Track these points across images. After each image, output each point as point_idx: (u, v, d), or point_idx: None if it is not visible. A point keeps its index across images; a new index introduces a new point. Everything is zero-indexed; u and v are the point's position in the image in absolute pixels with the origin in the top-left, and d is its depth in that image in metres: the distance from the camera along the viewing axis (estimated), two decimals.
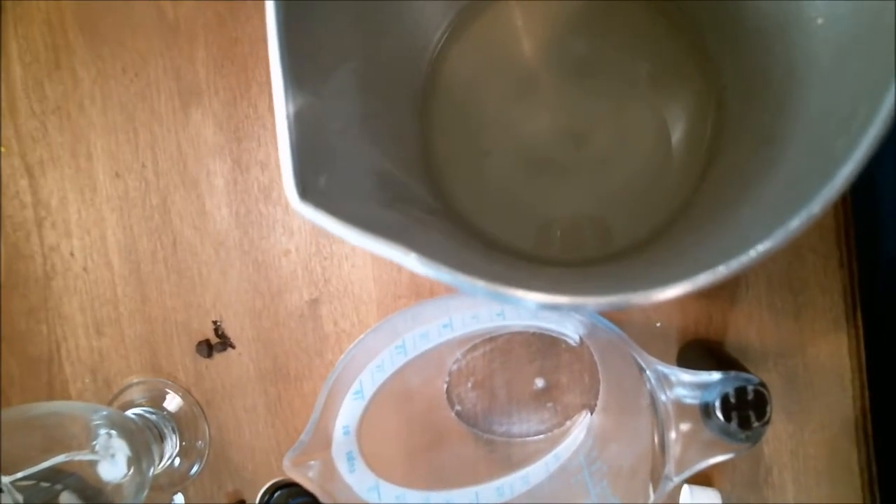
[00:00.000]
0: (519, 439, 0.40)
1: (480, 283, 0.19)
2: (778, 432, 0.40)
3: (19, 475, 0.36)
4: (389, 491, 0.34)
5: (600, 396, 0.40)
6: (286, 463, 0.30)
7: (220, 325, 0.44)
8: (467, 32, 0.39)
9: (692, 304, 0.40)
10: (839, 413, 0.39)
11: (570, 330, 0.40)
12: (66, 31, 0.45)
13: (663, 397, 0.31)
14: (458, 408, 0.40)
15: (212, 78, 0.43)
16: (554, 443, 0.39)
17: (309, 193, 0.19)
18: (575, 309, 0.21)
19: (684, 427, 0.31)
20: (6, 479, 0.36)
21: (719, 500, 0.38)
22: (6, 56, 0.46)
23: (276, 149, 0.42)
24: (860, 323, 0.39)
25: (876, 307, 0.40)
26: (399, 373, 0.35)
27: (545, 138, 0.39)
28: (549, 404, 0.40)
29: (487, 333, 0.40)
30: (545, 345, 0.40)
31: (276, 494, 0.39)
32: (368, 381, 0.33)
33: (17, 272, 0.46)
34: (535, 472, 0.38)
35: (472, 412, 0.40)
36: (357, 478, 0.33)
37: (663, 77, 0.37)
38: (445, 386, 0.40)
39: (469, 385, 0.40)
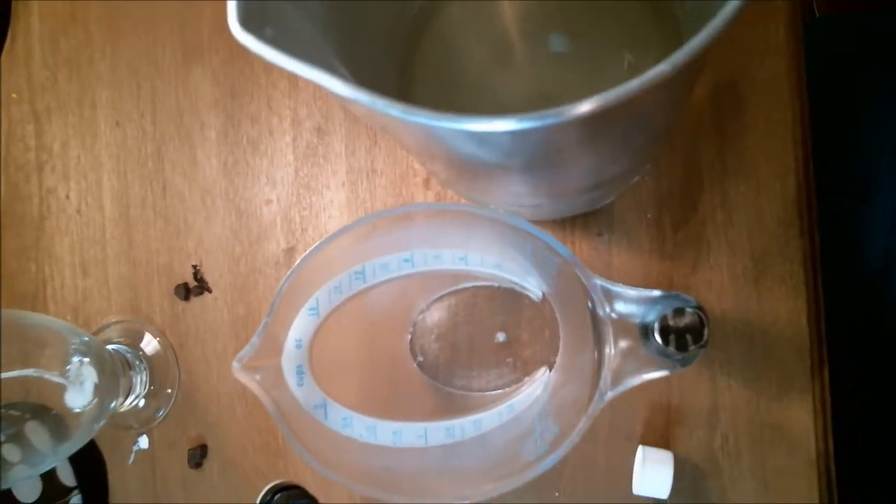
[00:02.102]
0: (478, 393, 0.39)
1: (397, 108, 0.19)
2: (735, 400, 0.39)
3: None
4: (337, 412, 0.34)
5: (560, 353, 0.40)
6: (235, 365, 0.30)
7: (199, 270, 0.45)
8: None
9: (654, 266, 0.40)
10: (796, 383, 0.39)
11: (534, 285, 0.40)
12: None
13: (603, 313, 0.31)
14: (420, 359, 0.40)
15: (215, 37, 0.46)
16: (511, 395, 0.39)
17: (252, 30, 0.20)
18: (489, 136, 0.21)
19: (623, 344, 0.31)
20: None
21: (671, 462, 0.38)
22: (26, 10, 0.48)
23: (267, 104, 0.44)
24: (821, 293, 0.39)
25: (838, 279, 0.40)
26: (358, 299, 0.35)
27: (519, 103, 0.40)
28: (510, 359, 0.40)
29: (451, 285, 0.40)
30: (508, 300, 0.41)
31: (276, 497, 0.39)
32: (325, 299, 0.34)
33: (13, 212, 0.48)
34: (487, 419, 0.37)
35: (433, 364, 0.40)
36: (305, 392, 0.33)
37: (644, 66, 0.37)
38: (410, 337, 0.40)
39: (432, 337, 0.40)
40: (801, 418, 0.38)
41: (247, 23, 0.21)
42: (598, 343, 0.32)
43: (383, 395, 0.37)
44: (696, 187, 0.40)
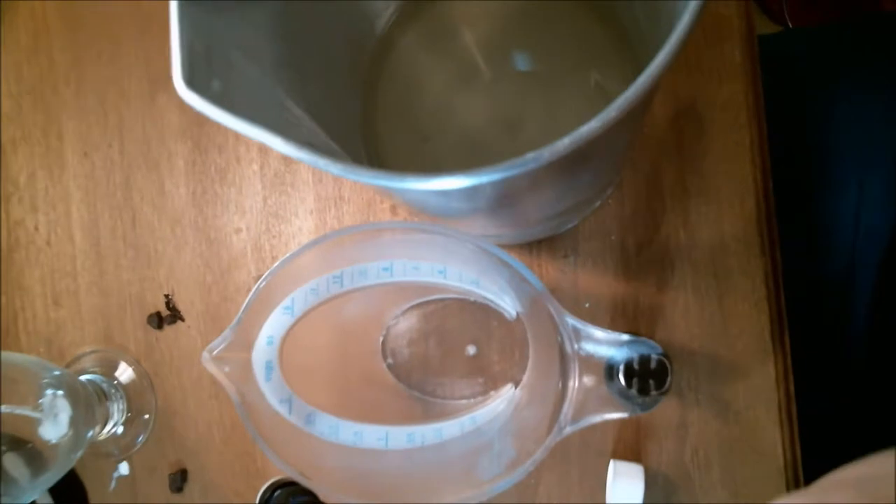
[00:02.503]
0: (442, 400, 0.40)
1: (337, 166, 0.20)
2: (703, 413, 0.40)
3: None
4: (301, 408, 0.34)
5: (527, 373, 0.40)
6: (205, 355, 0.31)
7: (171, 299, 0.45)
8: (415, 23, 0.41)
9: (620, 287, 0.41)
10: (763, 395, 0.39)
11: (509, 305, 0.40)
12: (47, 17, 0.47)
13: (571, 349, 0.31)
14: (390, 361, 0.40)
15: None
16: (475, 407, 0.39)
17: (197, 87, 0.20)
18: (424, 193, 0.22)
19: (587, 380, 0.31)
20: None
21: (642, 475, 0.39)
22: None
23: (233, 133, 0.44)
24: (783, 307, 0.40)
25: (798, 295, 0.41)
26: (334, 303, 0.36)
27: (482, 127, 0.40)
28: (478, 373, 0.41)
29: (427, 295, 0.40)
30: (482, 315, 0.41)
31: (275, 493, 0.39)
32: (301, 299, 0.34)
33: None
34: (449, 429, 0.38)
35: (403, 368, 0.41)
36: (272, 387, 0.33)
37: (610, 87, 0.38)
38: (381, 339, 0.40)
39: (404, 342, 0.41)
40: (768, 429, 0.39)
41: (192, 80, 0.21)
42: (563, 376, 0.33)
43: (351, 396, 0.37)
44: (658, 209, 0.40)
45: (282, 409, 0.34)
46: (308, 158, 0.20)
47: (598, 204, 0.40)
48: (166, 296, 0.45)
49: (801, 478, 0.40)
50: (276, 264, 0.31)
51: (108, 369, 0.45)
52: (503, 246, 0.42)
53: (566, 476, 0.41)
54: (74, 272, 0.46)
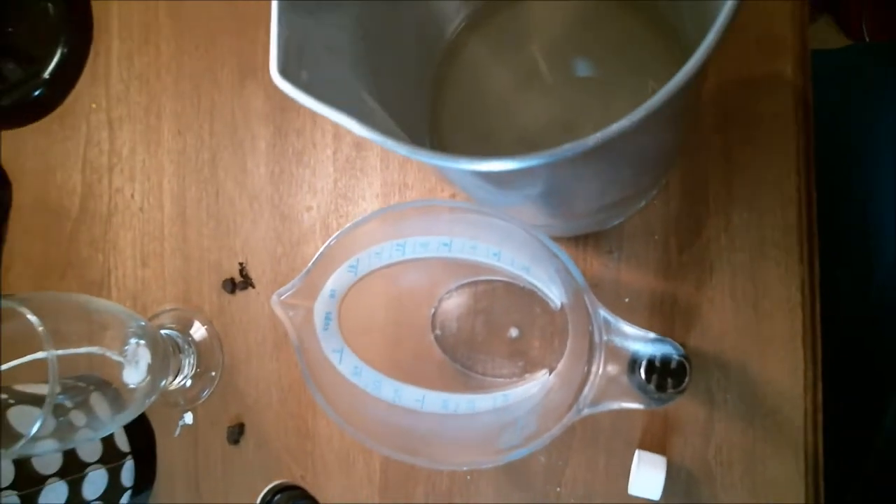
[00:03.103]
0: (480, 376, 0.43)
1: (403, 147, 0.23)
2: (730, 413, 0.41)
3: (68, 351, 0.41)
4: (350, 359, 0.37)
5: (562, 361, 0.42)
6: (274, 298, 0.34)
7: (245, 267, 0.49)
8: (481, 28, 0.44)
9: (660, 285, 0.42)
10: (790, 401, 0.40)
11: (555, 295, 0.43)
12: (158, 13, 0.52)
13: (599, 338, 0.34)
14: (438, 332, 0.43)
15: (267, 56, 0.50)
16: (508, 386, 0.42)
17: (289, 76, 0.24)
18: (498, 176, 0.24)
19: (610, 369, 0.34)
20: (60, 352, 0.41)
21: (664, 466, 0.40)
22: (107, 32, 0.54)
23: (312, 119, 0.48)
24: (818, 316, 0.41)
25: (837, 307, 0.42)
26: (393, 272, 0.39)
27: (540, 129, 0.43)
28: (517, 355, 0.43)
29: (480, 275, 0.43)
30: (528, 301, 0.44)
31: (276, 497, 0.41)
32: (365, 260, 0.37)
33: (87, 208, 0.53)
34: (482, 402, 0.40)
35: (449, 340, 0.43)
36: (327, 336, 0.36)
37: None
38: (432, 311, 0.43)
39: (453, 317, 0.44)
40: (792, 435, 0.40)
41: (285, 70, 0.24)
42: (589, 362, 0.35)
43: (397, 359, 0.40)
44: (702, 212, 0.42)
45: (333, 358, 0.37)
46: (379, 139, 0.23)
47: (643, 204, 0.42)
48: (240, 264, 0.49)
49: (822, 485, 0.40)
50: (346, 225, 0.34)
51: (184, 326, 0.50)
52: (553, 237, 0.45)
53: (593, 460, 0.43)
54: (162, 237, 0.51)
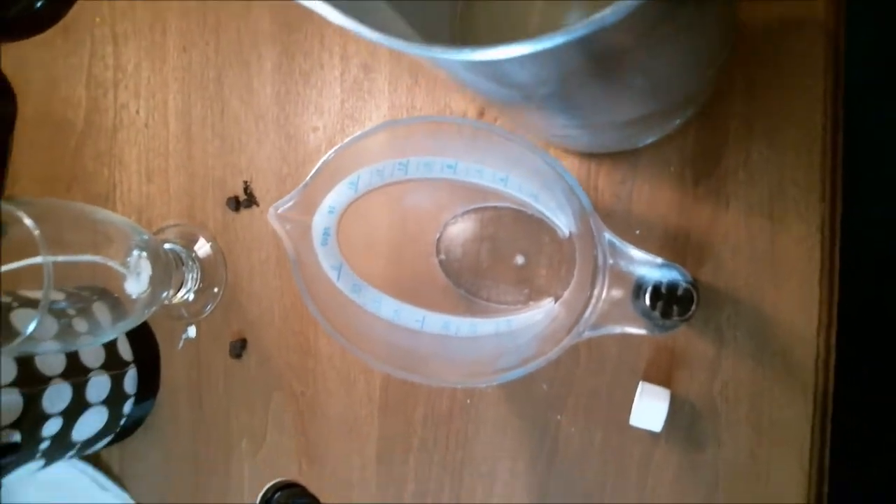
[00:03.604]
0: (484, 302, 0.35)
1: (416, 46, 0.15)
2: (739, 350, 0.34)
3: (67, 258, 0.34)
4: (349, 276, 0.30)
5: (568, 290, 0.35)
6: (271, 211, 0.28)
7: (249, 186, 0.41)
8: None
9: (673, 218, 0.35)
10: (802, 342, 0.34)
11: (563, 223, 0.35)
12: None
13: (603, 261, 0.26)
14: (442, 257, 0.36)
15: None
16: (512, 313, 0.34)
17: None
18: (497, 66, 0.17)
19: (614, 293, 0.27)
20: (59, 258, 0.33)
21: (667, 398, 0.33)
22: None
23: (319, 40, 0.39)
24: (836, 257, 0.33)
25: (857, 250, 0.34)
26: (395, 192, 0.32)
27: None
28: (523, 283, 0.36)
29: (486, 201, 0.36)
30: (535, 229, 0.36)
31: (276, 495, 0.36)
32: (366, 177, 0.30)
33: (92, 123, 0.44)
34: (484, 326, 0.34)
35: (453, 266, 0.36)
36: (326, 252, 0.30)
37: None
38: (438, 235, 0.36)
39: (458, 242, 0.36)
40: (802, 375, 0.33)
41: None
42: (592, 285, 0.27)
43: (398, 279, 0.34)
44: (721, 146, 0.34)
45: (332, 275, 0.30)
46: (390, 42, 0.16)
47: (675, 123, 0.33)
48: (245, 182, 0.41)
49: (829, 429, 0.34)
50: (347, 139, 0.27)
51: (189, 242, 0.42)
52: (568, 151, 0.37)
53: (596, 390, 0.36)
54: (167, 153, 0.43)
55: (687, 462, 0.35)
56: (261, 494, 0.33)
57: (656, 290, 0.27)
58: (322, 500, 0.41)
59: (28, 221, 0.32)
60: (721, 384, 0.34)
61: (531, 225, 0.36)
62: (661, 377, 0.35)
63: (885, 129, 0.38)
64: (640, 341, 0.35)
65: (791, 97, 0.33)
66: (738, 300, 0.34)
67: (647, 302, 0.27)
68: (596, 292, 0.27)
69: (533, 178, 0.34)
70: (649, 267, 0.27)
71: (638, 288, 0.27)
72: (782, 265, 0.34)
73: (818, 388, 0.33)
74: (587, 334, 0.28)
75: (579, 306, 0.33)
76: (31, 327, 0.33)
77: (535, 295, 0.37)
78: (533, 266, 0.36)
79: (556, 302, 0.36)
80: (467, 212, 0.37)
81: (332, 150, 0.27)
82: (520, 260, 0.36)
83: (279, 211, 0.28)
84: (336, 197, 0.29)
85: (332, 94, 0.40)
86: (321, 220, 0.29)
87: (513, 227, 0.36)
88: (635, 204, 0.35)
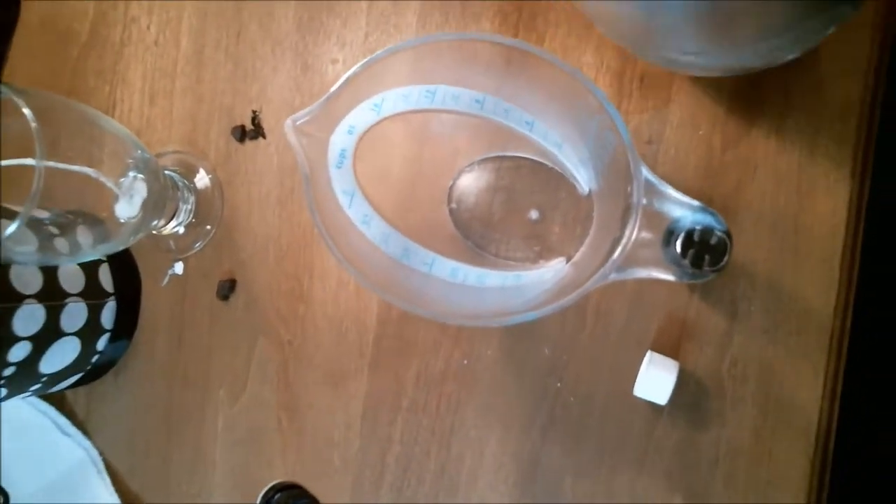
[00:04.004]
0: (493, 257, 0.41)
1: None
2: (752, 326, 0.40)
3: (59, 165, 0.40)
4: (361, 205, 0.36)
5: (581, 251, 0.41)
6: (288, 122, 0.33)
7: (258, 116, 0.47)
8: None
9: (698, 182, 0.41)
10: (818, 322, 0.39)
11: (583, 179, 0.41)
12: None
13: (637, 200, 0.32)
14: (454, 206, 0.42)
15: None
16: (520, 269, 0.40)
17: None
18: None
19: (644, 235, 0.32)
20: (51, 163, 0.39)
21: (676, 370, 0.39)
22: None
23: None
24: (860, 237, 0.39)
25: (881, 232, 0.40)
26: (417, 121, 0.37)
27: None
28: (535, 239, 0.42)
29: (506, 150, 0.41)
30: (554, 184, 0.42)
31: (276, 496, 0.40)
32: (390, 101, 0.36)
33: (98, 35, 0.51)
34: (492, 278, 0.39)
35: (464, 216, 0.42)
36: (340, 175, 0.35)
37: None
38: (451, 182, 0.42)
39: (472, 191, 0.42)
40: (814, 357, 0.39)
41: None
42: (623, 225, 0.33)
43: (408, 219, 0.39)
44: (755, 111, 0.40)
45: (343, 200, 0.35)
46: None
47: (829, 31, 0.35)
48: (254, 112, 0.47)
49: (837, 411, 0.39)
50: (376, 53, 0.33)
51: (188, 171, 0.48)
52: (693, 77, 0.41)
53: (600, 358, 0.42)
54: (174, 74, 0.49)
55: (688, 438, 0.41)
56: (261, 495, 0.38)
57: (689, 236, 0.32)
58: (298, 458, 0.47)
59: (27, 112, 0.37)
60: (730, 361, 0.40)
61: (550, 179, 0.43)
62: (669, 348, 0.41)
63: None
64: (651, 310, 0.41)
65: (832, 66, 0.40)
66: (756, 274, 0.40)
67: (679, 249, 0.32)
68: (627, 233, 0.32)
69: (562, 122, 0.40)
70: (684, 209, 0.32)
71: (669, 234, 0.32)
72: (805, 241, 0.40)
73: (829, 371, 0.39)
74: (613, 276, 0.33)
75: (593, 264, 0.39)
76: (11, 228, 0.37)
77: (545, 253, 0.43)
78: (547, 222, 0.43)
79: (567, 262, 0.42)
80: (485, 160, 0.43)
81: (359, 63, 0.33)
82: (534, 215, 0.43)
83: (297, 123, 0.34)
84: (357, 117, 0.35)
85: (357, 26, 0.46)
86: (339, 139, 0.35)
87: (530, 179, 0.43)
88: (660, 166, 0.42)
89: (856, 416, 0.39)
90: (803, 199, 0.40)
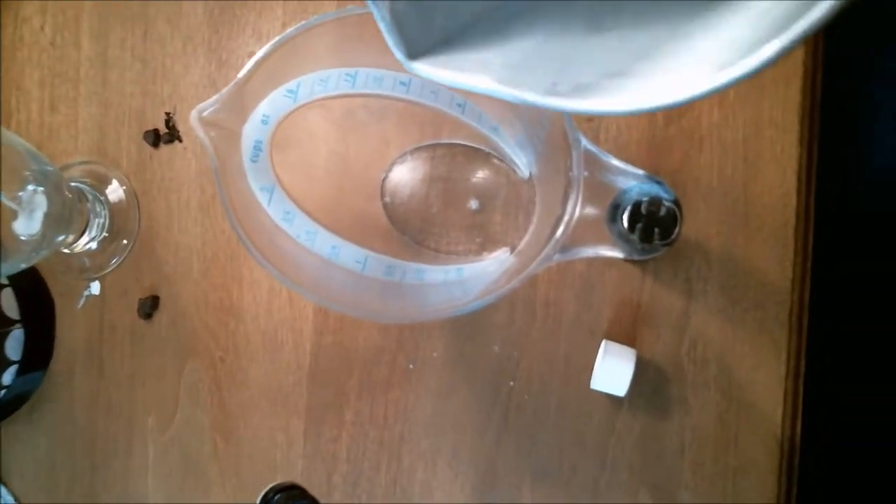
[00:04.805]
0: (433, 252, 0.38)
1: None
2: (709, 305, 0.38)
3: None
4: (282, 201, 0.33)
5: (525, 239, 0.39)
6: (194, 114, 0.30)
7: (172, 118, 0.44)
8: None
9: (642, 159, 0.39)
10: (775, 296, 0.38)
11: (523, 163, 0.39)
12: None
13: (578, 173, 0.30)
14: (387, 200, 0.39)
15: None
16: (462, 263, 0.38)
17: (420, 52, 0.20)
18: None
19: (588, 211, 0.30)
20: None
21: (633, 359, 0.37)
22: None
23: None
24: (812, 203, 0.38)
25: (835, 201, 0.39)
26: (339, 108, 0.34)
27: None
28: (476, 230, 0.39)
29: (439, 137, 0.39)
30: (492, 171, 0.40)
31: (276, 497, 0.38)
32: (307, 86, 0.32)
33: None
34: (432, 273, 0.36)
35: (399, 210, 0.39)
36: (256, 169, 0.32)
37: None
38: (384, 175, 0.39)
39: (406, 183, 0.39)
40: (774, 332, 0.37)
41: (412, 51, 0.21)
42: (564, 202, 0.31)
43: (337, 215, 0.36)
44: None
45: (262, 197, 0.32)
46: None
47: None
48: (167, 114, 0.44)
49: (801, 389, 0.38)
50: (289, 30, 0.30)
51: (99, 183, 0.45)
52: None
53: (552, 353, 0.39)
54: (77, 79, 0.45)
55: (651, 429, 0.38)
56: (260, 496, 0.36)
57: (636, 209, 0.29)
58: (238, 483, 0.43)
59: None
60: (689, 343, 0.38)
61: (487, 166, 0.40)
62: (624, 336, 0.39)
63: (879, 79, 0.43)
64: (603, 296, 0.39)
65: None
66: (709, 251, 0.38)
67: (626, 223, 0.30)
68: (569, 209, 0.30)
69: (494, 107, 0.37)
70: (629, 180, 0.30)
71: (615, 208, 0.30)
72: (756, 211, 0.38)
73: (791, 349, 0.37)
74: (558, 258, 0.30)
75: (539, 252, 0.36)
76: None
77: (488, 244, 0.40)
78: (488, 212, 0.40)
79: (511, 252, 0.39)
80: (417, 149, 0.40)
81: (270, 43, 0.30)
82: (473, 205, 0.40)
83: (204, 114, 0.30)
84: (271, 105, 0.32)
85: (273, 16, 0.43)
86: (253, 130, 0.32)
87: (467, 167, 0.40)
88: (602, 144, 0.39)
89: (821, 395, 0.38)
90: (751, 169, 0.38)
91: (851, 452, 0.43)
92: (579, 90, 0.18)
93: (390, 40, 0.20)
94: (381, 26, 0.20)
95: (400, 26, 0.20)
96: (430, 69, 0.21)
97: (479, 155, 0.40)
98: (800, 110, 0.38)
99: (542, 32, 0.22)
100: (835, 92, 0.39)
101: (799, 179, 0.38)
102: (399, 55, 0.21)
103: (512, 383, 0.40)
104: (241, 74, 0.30)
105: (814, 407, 0.38)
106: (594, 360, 0.39)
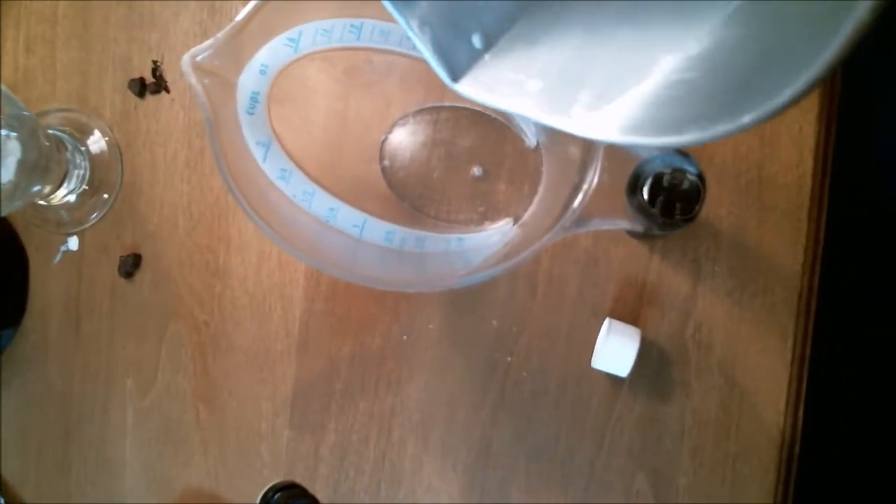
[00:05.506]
0: (433, 220, 0.37)
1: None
2: (717, 288, 0.37)
3: None
4: (278, 158, 0.31)
5: (530, 210, 0.37)
6: (186, 58, 0.27)
7: (159, 66, 0.41)
8: None
9: None
10: (785, 280, 0.36)
11: (531, 130, 0.37)
12: None
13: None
14: (386, 163, 0.37)
15: None
16: (463, 232, 0.36)
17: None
18: None
19: (606, 180, 0.28)
20: None
21: (638, 338, 0.35)
22: None
23: None
24: (827, 186, 0.36)
25: (850, 183, 0.37)
26: (343, 60, 0.32)
27: None
28: (479, 199, 0.37)
29: (443, 100, 0.37)
30: (498, 136, 0.38)
31: (276, 496, 0.37)
32: (309, 35, 0.30)
33: None
34: (433, 242, 0.35)
35: (399, 174, 0.37)
36: (252, 123, 0.30)
37: None
38: (383, 137, 0.37)
39: (407, 146, 0.37)
40: (783, 317, 0.36)
41: (455, 74, 0.21)
42: (583, 171, 0.29)
43: (335, 175, 0.34)
44: None
45: (257, 153, 0.30)
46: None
47: None
48: (154, 62, 0.41)
49: (806, 376, 0.37)
50: None
51: (79, 132, 0.42)
52: None
53: (553, 329, 0.38)
54: (55, 19, 0.42)
55: (651, 412, 0.37)
56: (260, 496, 0.35)
57: (656, 183, 0.28)
58: (221, 453, 0.41)
59: None
60: (695, 326, 0.37)
61: (493, 131, 0.38)
62: (629, 315, 0.37)
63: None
64: (608, 273, 0.38)
65: None
66: (719, 232, 0.37)
67: (646, 196, 0.28)
68: (588, 177, 0.28)
69: None
70: (652, 150, 0.28)
71: (635, 179, 0.28)
72: (770, 192, 0.36)
73: (798, 335, 0.36)
74: (574, 230, 0.28)
75: (541, 229, 0.35)
76: None
77: (490, 213, 0.38)
78: (491, 180, 0.38)
79: (514, 223, 0.38)
80: (420, 111, 0.38)
81: None
82: (476, 171, 0.38)
83: (197, 59, 0.28)
84: (270, 54, 0.30)
85: None
86: (250, 80, 0.30)
87: (471, 131, 0.38)
88: None
89: (826, 383, 0.37)
90: (766, 148, 0.37)
91: (853, 442, 0.43)
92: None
93: (434, 64, 0.21)
94: (424, 53, 0.21)
95: (441, 50, 0.21)
96: (474, 91, 0.21)
97: (485, 120, 0.38)
98: (821, 87, 0.36)
99: (574, 44, 0.21)
100: (857, 68, 0.37)
101: (815, 161, 0.36)
102: (444, 78, 0.22)
103: (510, 359, 0.38)
104: (238, 18, 0.28)
105: (817, 395, 0.37)
106: (596, 339, 0.37)
